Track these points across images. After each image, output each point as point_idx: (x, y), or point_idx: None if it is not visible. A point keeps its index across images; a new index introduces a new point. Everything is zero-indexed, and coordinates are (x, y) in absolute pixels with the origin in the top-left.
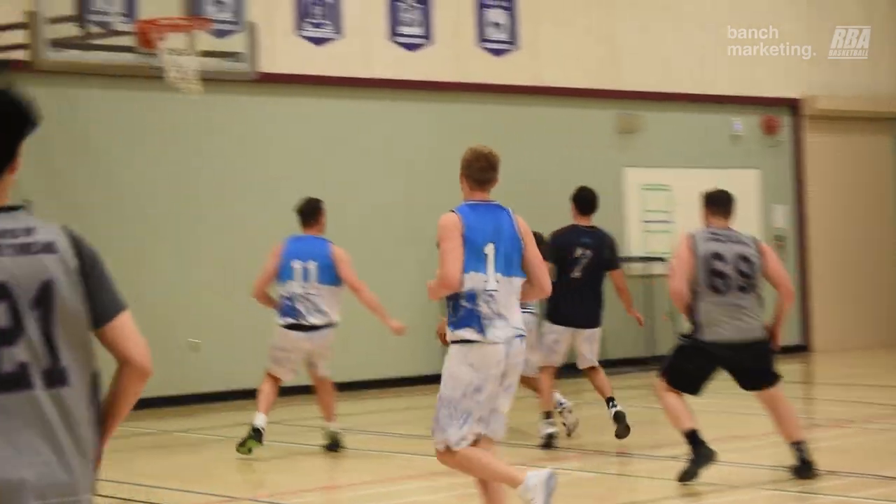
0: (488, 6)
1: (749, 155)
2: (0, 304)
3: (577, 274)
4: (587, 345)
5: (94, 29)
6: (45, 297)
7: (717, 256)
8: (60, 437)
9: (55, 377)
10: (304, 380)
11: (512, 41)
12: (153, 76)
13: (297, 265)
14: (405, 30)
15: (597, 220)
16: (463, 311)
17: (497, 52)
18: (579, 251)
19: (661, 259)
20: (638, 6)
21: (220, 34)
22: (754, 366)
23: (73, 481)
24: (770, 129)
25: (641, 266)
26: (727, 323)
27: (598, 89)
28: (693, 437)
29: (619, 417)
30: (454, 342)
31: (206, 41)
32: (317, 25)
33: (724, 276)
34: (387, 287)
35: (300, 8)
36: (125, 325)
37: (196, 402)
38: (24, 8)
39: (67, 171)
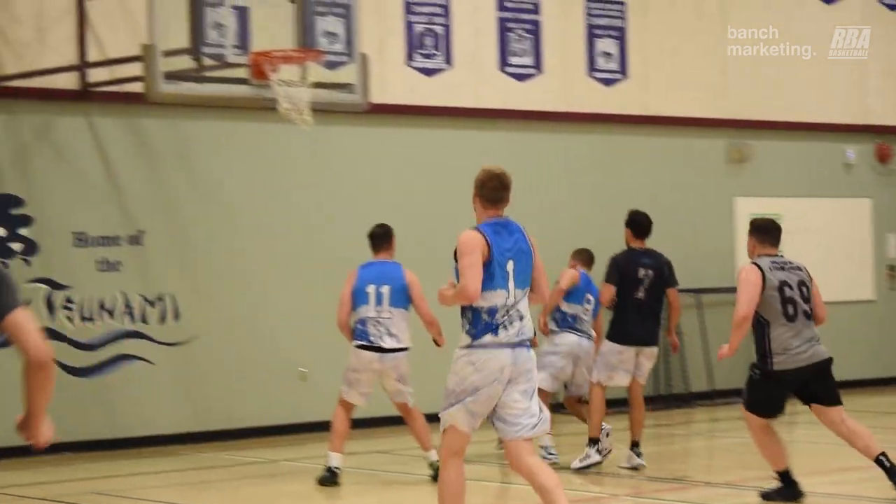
0: (598, 36)
1: (861, 184)
2: None
3: (640, 294)
4: (647, 362)
5: (208, 61)
6: None
7: (786, 284)
8: None
9: None
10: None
11: (622, 71)
12: (265, 107)
13: (370, 289)
14: (515, 60)
15: (707, 248)
16: (483, 324)
17: (607, 82)
18: (642, 272)
19: None
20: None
21: (332, 65)
22: (823, 385)
23: None
24: (883, 157)
25: None
26: (803, 350)
27: (708, 118)
28: (786, 478)
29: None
30: (464, 347)
31: (318, 72)
32: (428, 56)
33: (795, 302)
34: None
35: (411, 39)
36: (20, 320)
37: (303, 430)
38: (140, 41)
39: (180, 201)
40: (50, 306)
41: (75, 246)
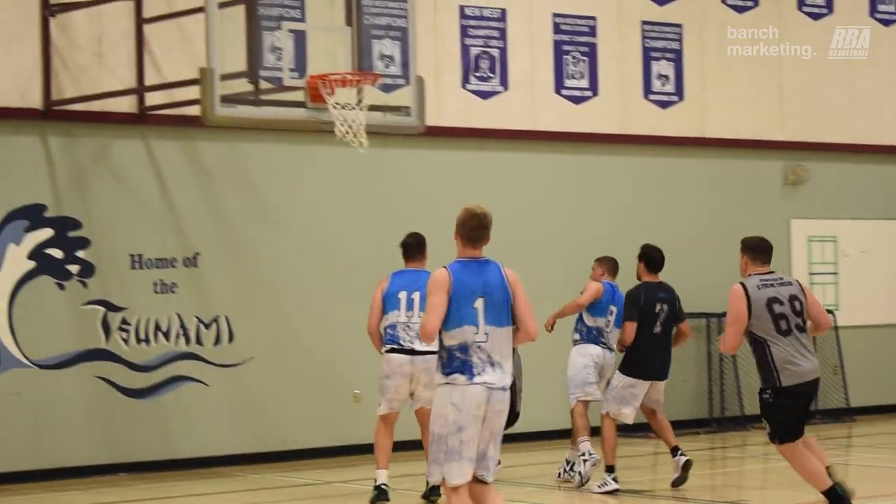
0: (655, 59)
1: None
2: None
3: (657, 329)
4: (660, 395)
5: (265, 84)
6: None
7: (775, 300)
8: None
9: None
10: None
11: (678, 93)
12: (321, 130)
13: (402, 295)
14: (571, 83)
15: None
16: (457, 361)
17: (663, 105)
18: (658, 307)
19: (828, 311)
20: (805, 57)
21: (388, 88)
22: (811, 402)
23: None
24: None
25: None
26: (803, 364)
27: (764, 140)
28: (832, 494)
29: (686, 466)
30: (441, 384)
31: (374, 95)
32: (483, 79)
33: (786, 317)
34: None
35: (467, 62)
36: None
37: (357, 452)
38: (198, 64)
39: (236, 223)
40: (106, 328)
41: (132, 268)
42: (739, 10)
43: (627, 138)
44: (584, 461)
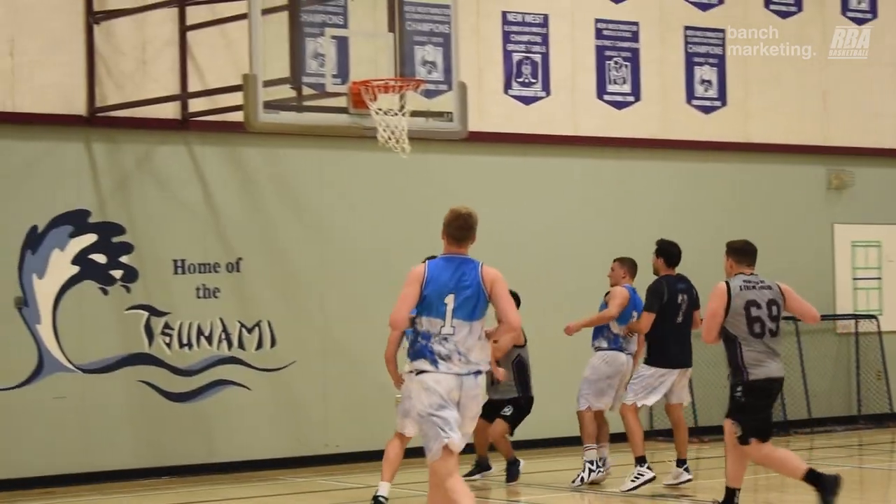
0: (697, 64)
1: None
2: None
3: (679, 319)
4: (686, 381)
5: (308, 90)
6: None
7: (754, 303)
8: None
9: None
10: None
11: (720, 98)
12: (364, 136)
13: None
14: (613, 88)
15: (806, 275)
16: (418, 346)
17: (706, 110)
18: (680, 297)
19: (871, 317)
20: (847, 61)
21: (431, 94)
22: (774, 402)
23: None
24: None
25: (851, 323)
26: (770, 364)
27: (807, 145)
28: (812, 476)
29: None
30: (410, 372)
31: (417, 101)
32: (525, 84)
33: (761, 321)
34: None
35: (509, 67)
36: None
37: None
38: (241, 71)
39: (278, 228)
40: (149, 332)
41: (175, 273)
42: (783, 15)
43: (670, 143)
44: (591, 471)
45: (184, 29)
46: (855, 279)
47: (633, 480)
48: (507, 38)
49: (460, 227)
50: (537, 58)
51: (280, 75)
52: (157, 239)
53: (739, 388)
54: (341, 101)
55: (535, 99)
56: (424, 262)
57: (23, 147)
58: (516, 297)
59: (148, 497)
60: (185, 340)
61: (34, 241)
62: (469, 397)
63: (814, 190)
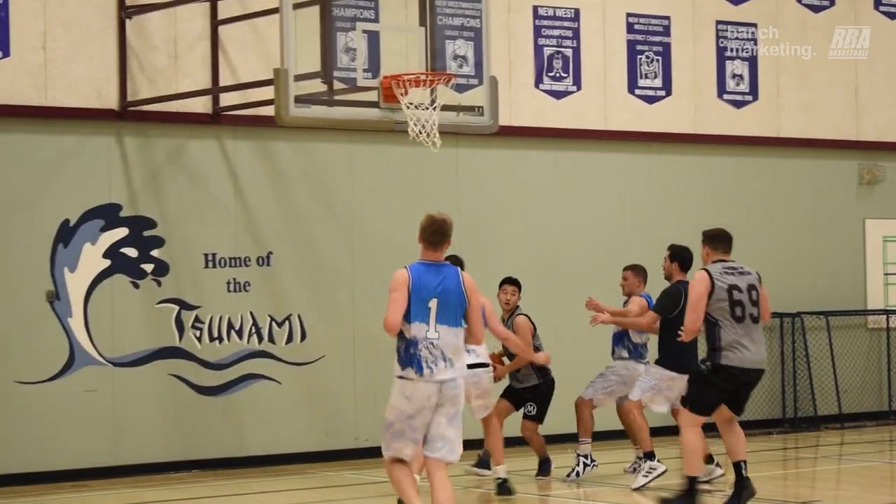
0: (729, 58)
1: None
2: None
3: None
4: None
5: (339, 85)
6: None
7: (736, 287)
8: None
9: None
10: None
11: (752, 93)
12: (395, 130)
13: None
14: (644, 82)
15: (837, 270)
16: (408, 354)
17: (737, 105)
18: None
19: None
20: (880, 54)
21: (461, 88)
22: (748, 394)
23: None
24: None
25: (882, 318)
26: (751, 351)
27: (839, 140)
28: (693, 484)
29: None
30: (397, 377)
31: (448, 95)
32: (556, 79)
33: (743, 305)
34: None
35: (540, 62)
36: None
37: None
38: (272, 65)
39: (308, 222)
40: (180, 326)
41: (205, 267)
42: (815, 9)
43: (701, 138)
44: (586, 465)
45: (215, 23)
46: (886, 274)
47: (645, 476)
48: (538, 32)
49: (435, 233)
50: (568, 52)
51: (311, 69)
52: (188, 233)
53: (708, 364)
54: (372, 96)
55: (565, 93)
56: (406, 267)
57: (55, 141)
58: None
59: (178, 490)
60: (215, 334)
61: (66, 234)
62: (447, 398)
63: (845, 185)
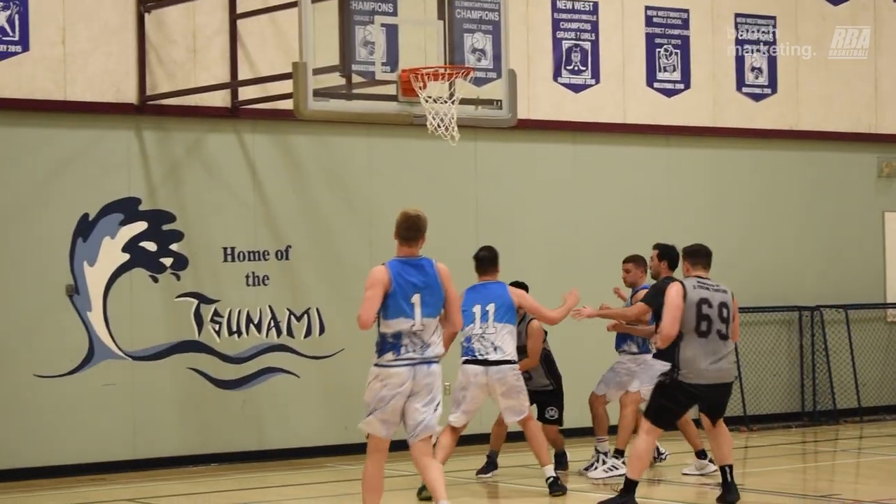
0: (748, 51)
1: None
2: None
3: None
4: None
5: (357, 78)
6: None
7: (706, 301)
8: None
9: None
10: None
11: (771, 86)
12: (413, 124)
13: (476, 309)
14: (663, 76)
15: (856, 264)
16: (388, 345)
17: (756, 98)
18: None
19: None
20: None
21: (480, 82)
22: (723, 402)
23: None
24: None
25: None
26: (709, 368)
27: (859, 133)
28: (631, 487)
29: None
30: (374, 365)
31: (466, 89)
32: (575, 72)
33: (710, 320)
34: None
35: (559, 55)
36: None
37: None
38: (291, 59)
39: (327, 216)
40: (198, 320)
41: (224, 261)
42: (835, 2)
43: (720, 131)
44: (608, 465)
45: (234, 17)
46: None
47: (606, 471)
48: (556, 25)
49: (409, 229)
50: (587, 45)
51: (330, 63)
52: (207, 227)
53: (668, 378)
54: (390, 89)
55: (584, 87)
56: (384, 264)
57: (74, 135)
58: (524, 287)
59: (197, 484)
60: (234, 328)
61: (85, 228)
62: (421, 385)
63: (864, 178)
